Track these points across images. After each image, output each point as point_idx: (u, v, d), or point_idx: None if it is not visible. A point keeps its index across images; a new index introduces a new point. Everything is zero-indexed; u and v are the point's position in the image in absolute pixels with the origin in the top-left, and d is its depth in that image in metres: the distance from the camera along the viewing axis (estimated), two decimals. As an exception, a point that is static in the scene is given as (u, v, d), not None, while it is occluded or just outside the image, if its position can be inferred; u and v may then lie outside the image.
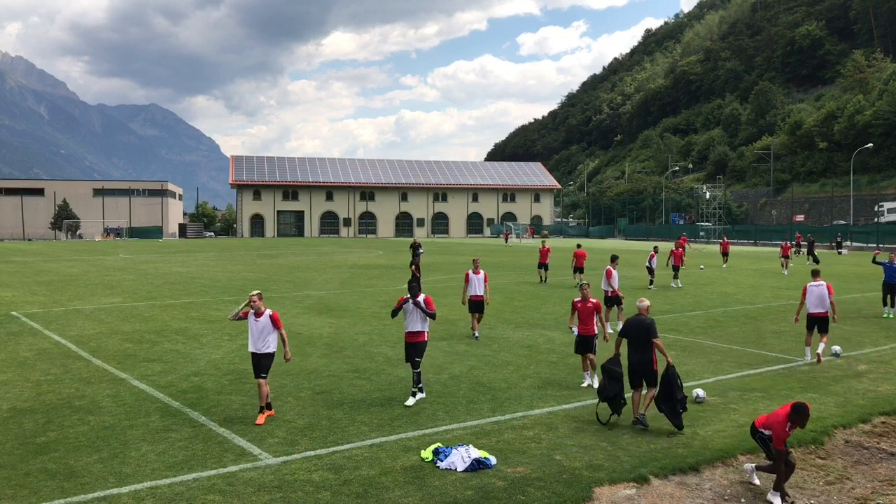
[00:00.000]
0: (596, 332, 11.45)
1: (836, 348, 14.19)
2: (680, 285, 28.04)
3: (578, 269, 27.59)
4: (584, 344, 11.48)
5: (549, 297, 24.09)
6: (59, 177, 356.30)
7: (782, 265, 35.86)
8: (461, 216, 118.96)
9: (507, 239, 74.04)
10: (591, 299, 11.34)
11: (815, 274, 14.45)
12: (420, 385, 10.71)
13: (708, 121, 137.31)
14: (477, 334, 15.98)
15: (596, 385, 10.56)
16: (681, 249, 29.10)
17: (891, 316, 19.28)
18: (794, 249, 47.99)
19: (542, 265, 30.04)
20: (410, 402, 10.43)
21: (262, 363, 9.78)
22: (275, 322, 9.75)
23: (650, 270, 27.47)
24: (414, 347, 10.70)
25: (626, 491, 7.37)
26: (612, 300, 17.25)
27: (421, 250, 28.87)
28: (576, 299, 11.53)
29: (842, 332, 16.98)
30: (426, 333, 10.81)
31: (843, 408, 10.36)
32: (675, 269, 28.63)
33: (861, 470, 8.21)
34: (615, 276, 17.44)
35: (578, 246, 29.11)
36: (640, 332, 9.43)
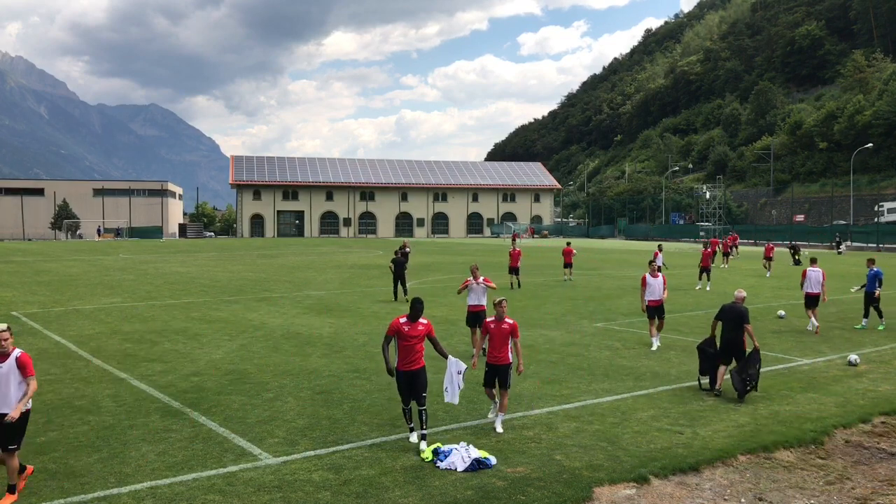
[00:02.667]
0: (511, 360, 9.41)
1: (854, 357, 13.48)
2: (708, 288, 27.08)
3: (568, 265, 30.62)
4: (495, 375, 9.42)
5: (549, 297, 24.09)
6: (59, 177, 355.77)
7: (765, 266, 34.69)
8: (461, 216, 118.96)
9: (532, 235, 72.16)
10: (508, 320, 9.45)
11: (814, 261, 18.53)
12: (425, 430, 8.64)
13: (708, 121, 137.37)
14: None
15: (500, 430, 9.13)
16: (709, 249, 28.59)
17: (864, 327, 17.74)
18: (734, 248, 45.91)
19: (513, 269, 27.50)
20: (421, 443, 8.55)
21: (7, 430, 6.95)
22: (23, 368, 7.04)
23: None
24: (415, 378, 8.69)
25: (626, 491, 7.37)
26: (654, 311, 14.88)
27: (407, 249, 29.73)
28: (488, 319, 9.61)
29: (842, 333, 17.00)
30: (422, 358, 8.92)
31: (843, 408, 10.36)
32: (704, 270, 27.73)
33: (861, 470, 8.21)
34: (652, 284, 14.88)
35: (568, 244, 32.40)
36: (734, 317, 11.24)
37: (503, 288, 26.06)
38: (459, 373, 9.01)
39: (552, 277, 31.91)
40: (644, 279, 15.01)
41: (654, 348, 14.63)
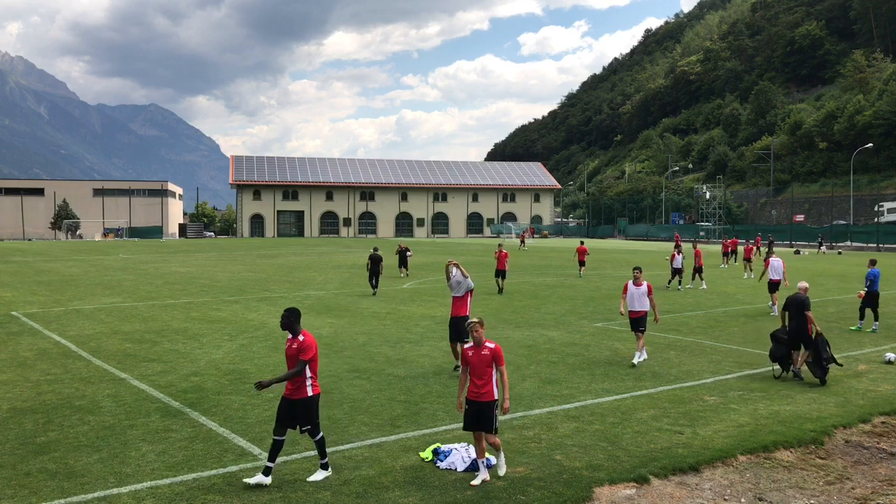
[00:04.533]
0: (496, 395, 7.62)
1: (891, 356, 13.62)
2: (690, 286, 27.37)
3: (581, 263, 32.23)
4: (478, 416, 7.56)
5: (549, 297, 24.09)
6: (59, 177, 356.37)
7: (745, 268, 32.83)
8: (461, 216, 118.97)
9: (523, 241, 65.94)
10: (489, 343, 7.61)
11: (773, 251, 22.81)
12: (325, 460, 7.58)
13: (708, 121, 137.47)
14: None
15: (503, 472, 7.63)
16: (697, 249, 28.58)
17: (859, 329, 17.44)
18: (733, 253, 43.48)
19: (500, 272, 25.93)
20: (316, 472, 7.55)
21: None
22: None
23: (675, 271, 26.96)
24: (294, 408, 7.42)
25: (626, 491, 7.36)
26: (633, 323, 13.42)
27: (409, 253, 31.40)
28: (466, 346, 7.80)
29: (841, 333, 16.99)
30: (310, 386, 7.45)
31: (843, 408, 10.35)
32: (697, 270, 27.72)
33: (861, 470, 8.21)
34: (633, 293, 13.38)
35: (581, 242, 34.81)
36: (797, 306, 12.27)
37: (490, 292, 25.45)
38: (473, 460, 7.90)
39: (553, 277, 31.92)
40: (626, 287, 13.54)
41: (635, 361, 13.10)
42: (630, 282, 13.54)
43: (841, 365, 12.33)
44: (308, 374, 7.44)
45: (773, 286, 20.43)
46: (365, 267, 27.41)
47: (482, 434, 7.58)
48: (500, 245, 28.00)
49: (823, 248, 60.42)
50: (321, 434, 7.54)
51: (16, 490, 7.22)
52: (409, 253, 32.79)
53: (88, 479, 7.50)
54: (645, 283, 13.41)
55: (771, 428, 9.34)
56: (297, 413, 7.41)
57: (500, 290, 25.42)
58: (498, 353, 7.57)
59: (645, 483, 7.54)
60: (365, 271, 28.14)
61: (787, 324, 12.55)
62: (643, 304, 13.28)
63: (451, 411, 10.05)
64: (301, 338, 7.45)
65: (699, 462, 8.10)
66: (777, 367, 12.47)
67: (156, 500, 6.99)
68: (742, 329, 17.50)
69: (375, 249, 26.58)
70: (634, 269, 13.79)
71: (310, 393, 7.46)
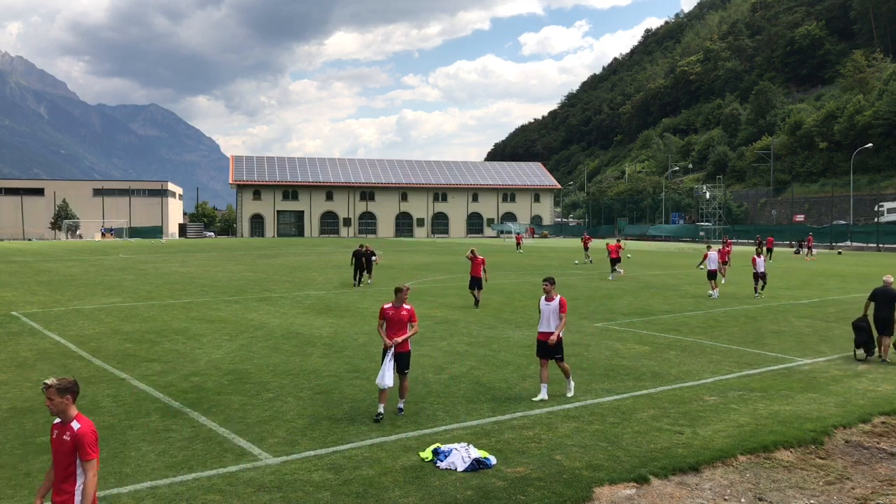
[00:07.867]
0: None
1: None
2: (621, 272, 31.12)
3: (615, 260, 32.21)
4: None
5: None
6: (59, 177, 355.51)
7: (720, 272, 27.41)
8: (461, 216, 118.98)
9: (519, 243, 57.80)
10: (74, 423, 4.84)
11: (710, 247, 26.14)
12: None
13: (708, 121, 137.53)
14: (381, 412, 9.62)
15: None
16: (615, 244, 32.37)
17: None
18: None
19: (475, 281, 21.67)
20: None
21: None
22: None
23: (758, 276, 23.87)
24: None
25: (626, 491, 7.36)
26: (541, 348, 10.79)
27: (375, 258, 29.84)
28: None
29: (842, 332, 16.98)
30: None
31: (843, 408, 10.35)
32: (613, 261, 31.08)
33: (861, 470, 8.20)
34: (543, 311, 10.79)
35: (617, 241, 36.73)
36: (885, 297, 13.49)
37: (466, 306, 21.23)
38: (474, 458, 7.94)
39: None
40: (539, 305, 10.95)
41: (538, 398, 10.59)
42: (542, 298, 10.92)
43: None
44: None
45: (711, 275, 24.49)
46: (350, 263, 29.76)
47: None
48: (472, 250, 22.78)
49: (804, 252, 55.05)
50: None
51: (16, 490, 7.22)
52: (374, 257, 29.05)
53: (88, 479, 7.50)
54: (557, 298, 10.77)
55: (771, 428, 9.34)
56: None
57: (477, 303, 21.34)
58: (81, 440, 4.71)
59: (645, 483, 7.54)
60: (350, 267, 29.09)
61: (867, 312, 13.74)
62: (554, 324, 10.70)
63: (450, 411, 10.04)
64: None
65: (699, 462, 8.09)
66: (861, 352, 13.64)
67: (156, 500, 6.98)
68: (742, 329, 17.50)
69: (361, 247, 28.57)
70: (544, 281, 11.05)
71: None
